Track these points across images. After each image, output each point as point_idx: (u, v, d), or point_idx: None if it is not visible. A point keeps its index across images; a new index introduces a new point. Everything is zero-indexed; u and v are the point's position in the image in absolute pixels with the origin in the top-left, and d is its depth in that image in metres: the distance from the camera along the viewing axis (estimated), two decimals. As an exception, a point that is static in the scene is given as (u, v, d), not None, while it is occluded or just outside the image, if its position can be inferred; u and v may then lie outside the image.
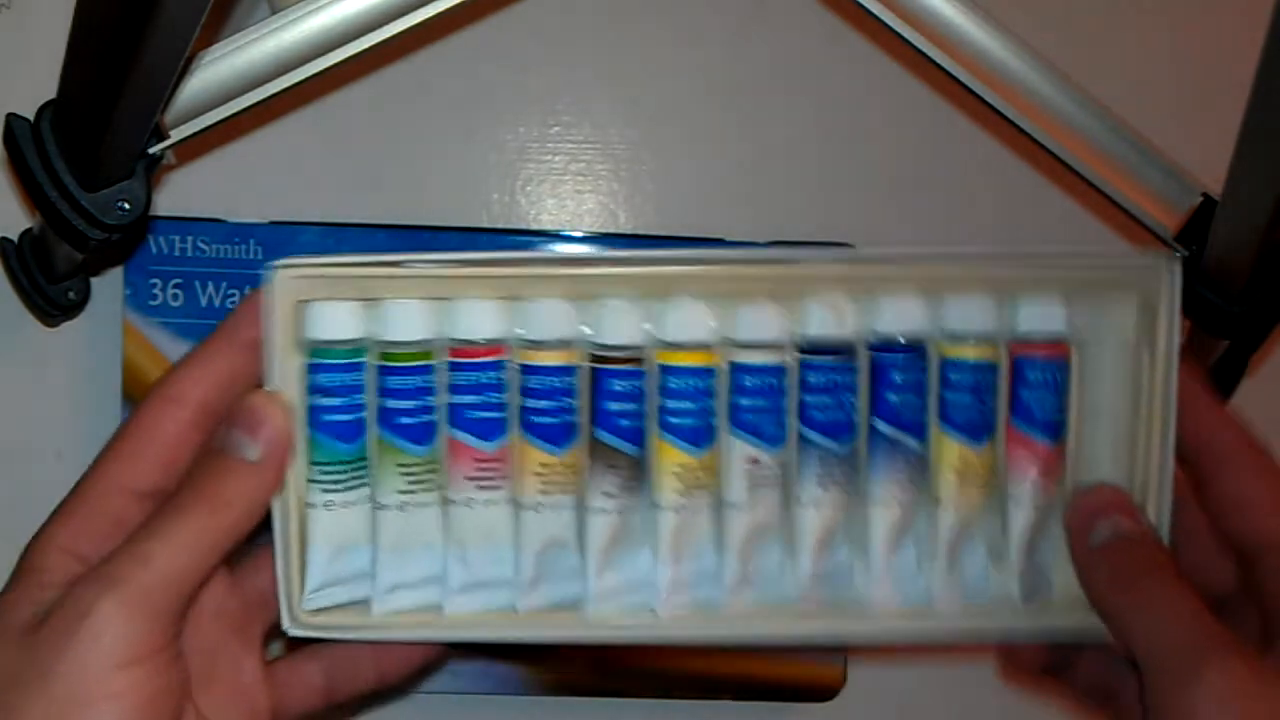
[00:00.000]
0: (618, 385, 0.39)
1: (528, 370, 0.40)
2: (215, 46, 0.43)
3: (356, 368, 0.39)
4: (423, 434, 0.40)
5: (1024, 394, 0.41)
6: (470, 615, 0.40)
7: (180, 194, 0.55)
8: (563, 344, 0.40)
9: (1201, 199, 0.46)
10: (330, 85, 0.56)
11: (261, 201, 0.55)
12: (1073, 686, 0.43)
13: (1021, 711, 0.59)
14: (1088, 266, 0.40)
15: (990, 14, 0.46)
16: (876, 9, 0.46)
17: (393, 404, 0.39)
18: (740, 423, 0.40)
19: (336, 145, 0.56)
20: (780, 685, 0.55)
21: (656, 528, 0.40)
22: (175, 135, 0.44)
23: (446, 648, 0.42)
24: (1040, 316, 0.41)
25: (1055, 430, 0.41)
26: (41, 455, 0.55)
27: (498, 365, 0.40)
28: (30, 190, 0.43)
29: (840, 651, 0.55)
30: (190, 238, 0.53)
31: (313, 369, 0.39)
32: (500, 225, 0.57)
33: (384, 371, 0.39)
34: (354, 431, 0.39)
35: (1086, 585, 0.40)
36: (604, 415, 0.40)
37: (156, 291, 0.53)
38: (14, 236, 0.52)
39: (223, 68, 0.43)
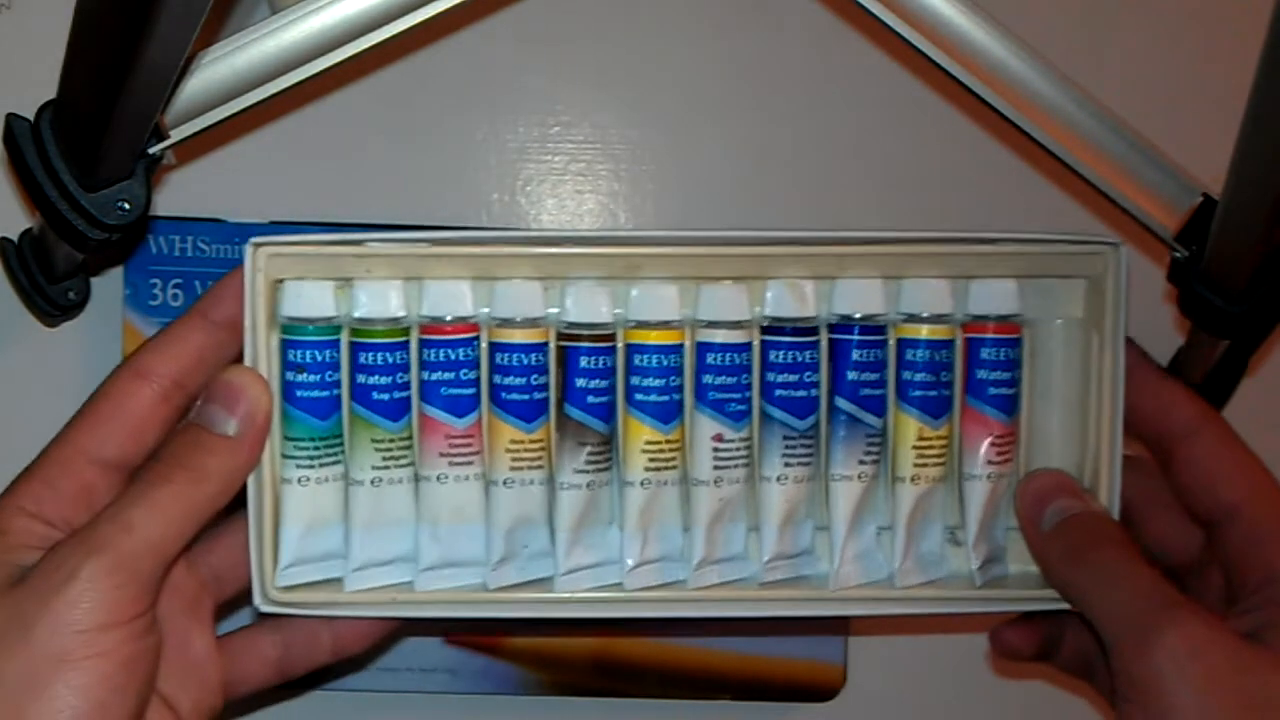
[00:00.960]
0: (587, 362, 0.40)
1: (499, 348, 0.40)
2: (215, 46, 0.43)
3: (332, 344, 0.40)
4: (397, 410, 0.41)
5: (978, 372, 0.42)
6: (441, 592, 0.41)
7: (180, 194, 0.55)
8: (533, 322, 0.41)
9: (1201, 199, 0.46)
10: (330, 85, 0.56)
11: (261, 201, 0.55)
12: (1060, 666, 0.45)
13: (1020, 712, 0.59)
14: (1037, 250, 0.42)
15: (990, 14, 0.46)
16: (876, 9, 0.46)
17: (367, 380, 0.40)
18: (706, 400, 0.41)
19: (336, 145, 0.56)
20: (780, 685, 0.55)
21: (624, 504, 0.41)
22: (175, 135, 0.44)
23: (402, 624, 0.43)
24: (992, 297, 0.42)
25: (1009, 407, 0.42)
26: (41, 455, 0.55)
27: (469, 343, 0.41)
28: (30, 190, 0.43)
29: (840, 652, 0.55)
30: (190, 238, 0.53)
31: (288, 345, 0.40)
32: (500, 225, 0.57)
33: (358, 348, 0.40)
34: (329, 408, 0.40)
35: (1043, 566, 0.42)
36: (574, 392, 0.41)
37: (156, 291, 0.53)
38: (14, 236, 0.52)
39: (223, 68, 0.43)
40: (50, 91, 0.43)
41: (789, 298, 0.41)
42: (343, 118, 0.56)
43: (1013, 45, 0.46)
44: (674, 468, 0.41)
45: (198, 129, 0.44)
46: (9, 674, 0.33)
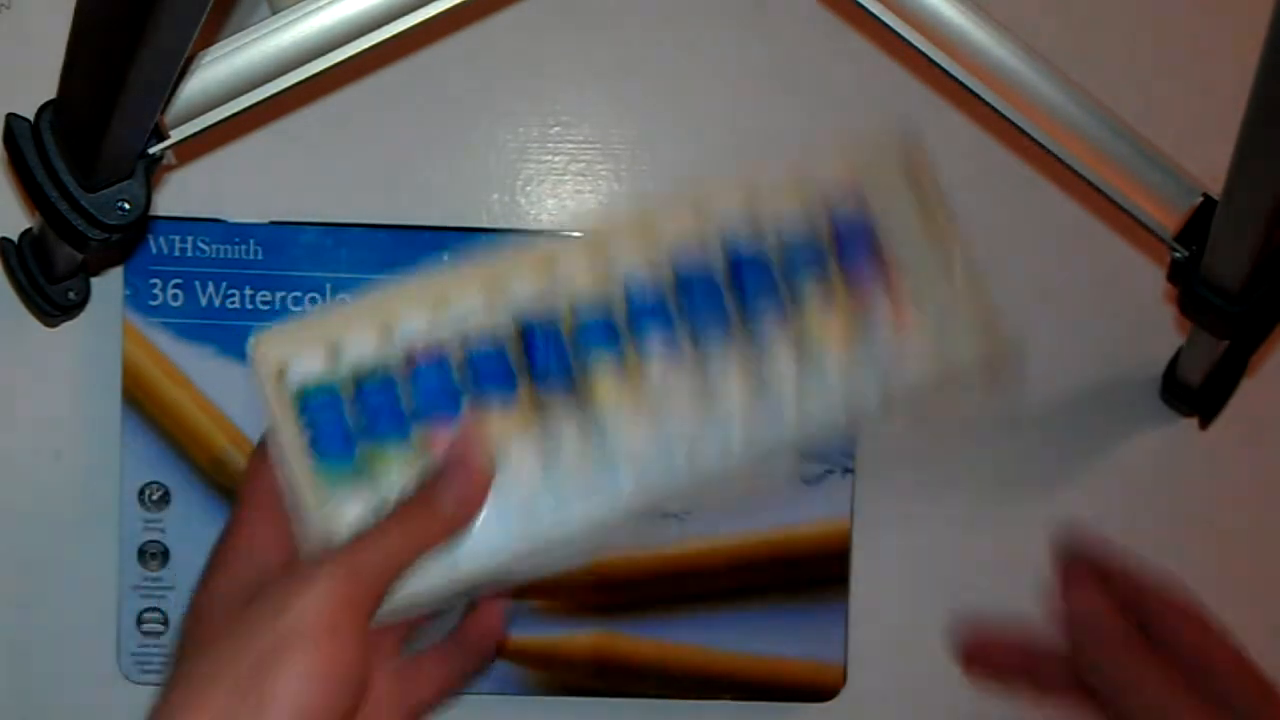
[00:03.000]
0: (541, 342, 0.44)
1: (469, 355, 0.43)
2: (215, 46, 0.43)
3: (335, 394, 0.43)
4: (401, 428, 0.43)
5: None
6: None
7: (180, 194, 0.55)
8: (486, 326, 0.44)
9: (1201, 199, 0.46)
10: (330, 85, 0.56)
11: (261, 201, 0.55)
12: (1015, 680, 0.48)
13: (1019, 711, 0.59)
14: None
15: (990, 14, 0.46)
16: (876, 9, 0.46)
17: (373, 410, 0.43)
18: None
19: (336, 145, 0.56)
20: (780, 685, 0.55)
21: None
22: (175, 135, 0.44)
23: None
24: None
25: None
26: (41, 455, 0.55)
27: (442, 357, 0.43)
28: (30, 190, 0.43)
29: (840, 652, 0.56)
30: (190, 238, 0.53)
31: (301, 409, 0.43)
32: (500, 225, 0.57)
33: (359, 389, 0.43)
34: (348, 446, 0.43)
35: None
36: (536, 368, 0.44)
37: (156, 291, 0.53)
38: (14, 236, 0.52)
39: (223, 68, 0.43)
40: (50, 91, 0.43)
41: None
42: (343, 118, 0.56)
43: (1013, 45, 0.46)
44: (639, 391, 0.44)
45: (198, 129, 0.44)
46: (259, 647, 0.37)
